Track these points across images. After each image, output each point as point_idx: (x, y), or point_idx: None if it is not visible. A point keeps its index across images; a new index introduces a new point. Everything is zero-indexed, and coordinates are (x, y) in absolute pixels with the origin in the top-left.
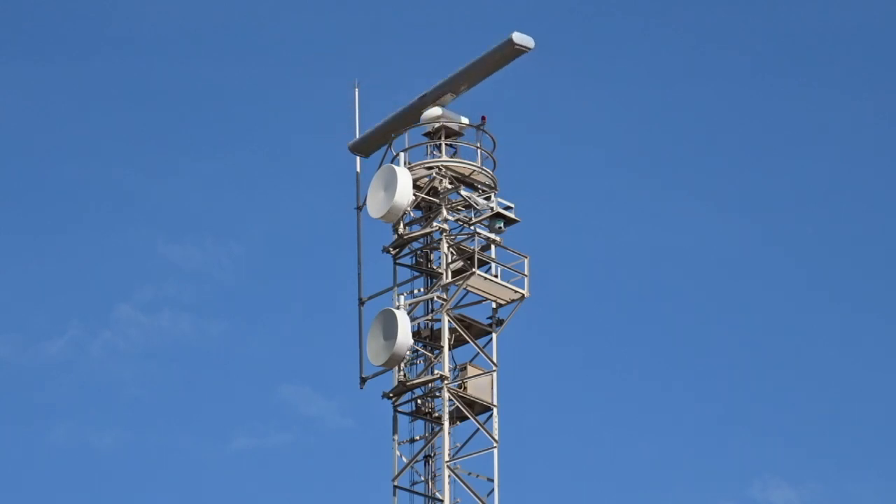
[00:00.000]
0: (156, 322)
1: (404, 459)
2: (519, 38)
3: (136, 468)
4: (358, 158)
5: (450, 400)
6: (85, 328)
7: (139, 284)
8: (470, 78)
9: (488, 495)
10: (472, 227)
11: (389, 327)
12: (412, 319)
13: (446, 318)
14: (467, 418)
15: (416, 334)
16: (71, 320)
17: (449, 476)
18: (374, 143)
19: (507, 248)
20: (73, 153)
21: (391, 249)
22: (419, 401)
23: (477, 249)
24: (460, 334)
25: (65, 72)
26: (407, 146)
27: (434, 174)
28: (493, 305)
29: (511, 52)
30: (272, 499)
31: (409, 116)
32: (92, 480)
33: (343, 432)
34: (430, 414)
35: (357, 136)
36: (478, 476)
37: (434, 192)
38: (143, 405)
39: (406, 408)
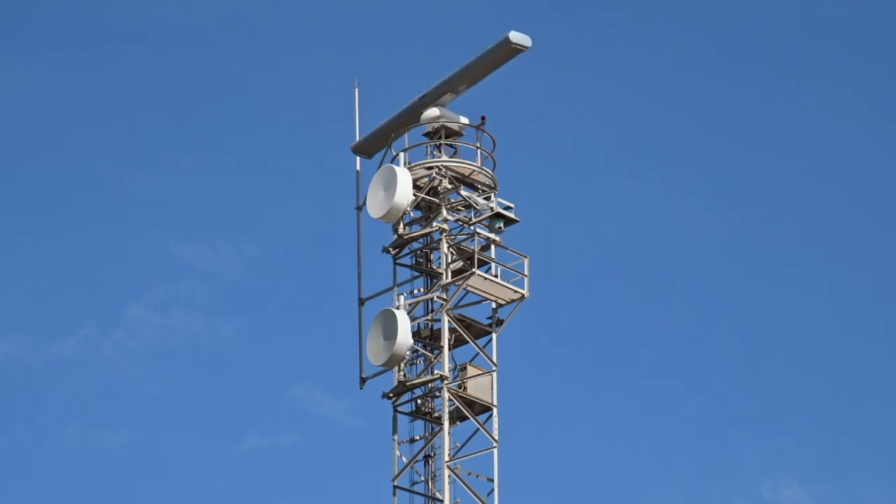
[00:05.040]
0: (167, 322)
1: (404, 459)
2: (515, 36)
3: (148, 467)
4: (358, 158)
5: (450, 400)
6: (97, 328)
7: (151, 284)
8: (468, 78)
9: (488, 495)
10: (472, 227)
11: (389, 327)
12: (412, 319)
13: (446, 318)
14: (467, 418)
15: (416, 334)
16: (83, 320)
17: (449, 476)
18: (376, 144)
19: (507, 248)
20: (84, 153)
21: (391, 249)
22: (419, 401)
23: (477, 249)
24: (460, 334)
25: (77, 72)
26: (407, 146)
27: (434, 174)
28: (493, 305)
29: (508, 51)
30: (282, 498)
31: (410, 117)
32: (103, 479)
33: (350, 432)
34: (430, 414)
35: (357, 137)
36: (478, 476)
37: (434, 192)
38: (154, 404)
39: (406, 408)
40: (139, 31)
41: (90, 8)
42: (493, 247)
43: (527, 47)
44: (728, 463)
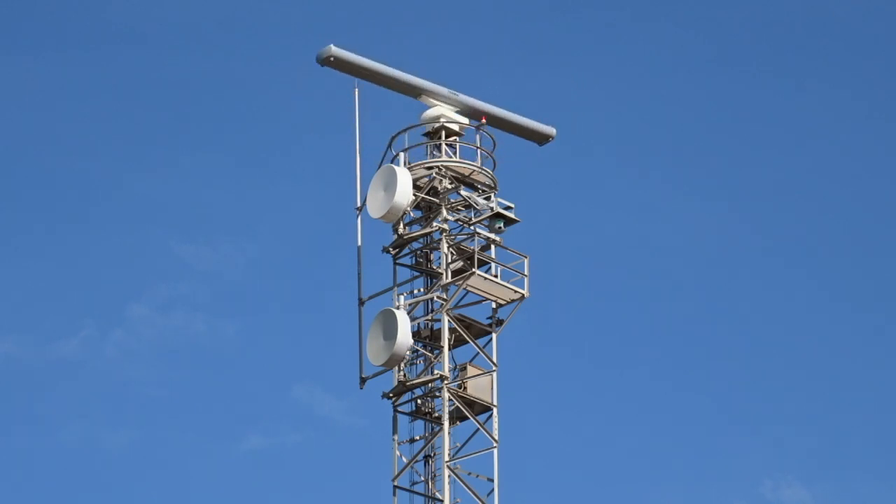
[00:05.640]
0: (169, 321)
1: (404, 459)
2: (549, 130)
3: (148, 468)
4: (358, 158)
5: (450, 400)
6: (98, 328)
7: (152, 284)
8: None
9: (488, 495)
10: (472, 227)
11: (389, 327)
12: (412, 319)
13: (446, 318)
14: (467, 418)
15: (416, 334)
16: (84, 320)
17: (449, 476)
18: (344, 67)
19: (507, 248)
20: (84, 153)
21: (391, 249)
22: (419, 401)
23: (477, 249)
24: (460, 334)
25: (77, 72)
26: (407, 146)
27: (434, 174)
28: (493, 305)
29: (536, 137)
30: (283, 498)
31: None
32: (104, 480)
33: (350, 432)
34: (430, 414)
35: (357, 137)
36: (478, 476)
37: (434, 192)
38: (155, 405)
39: (406, 408)
40: (139, 31)
41: (90, 8)
42: (493, 247)
43: (552, 138)
44: (728, 463)
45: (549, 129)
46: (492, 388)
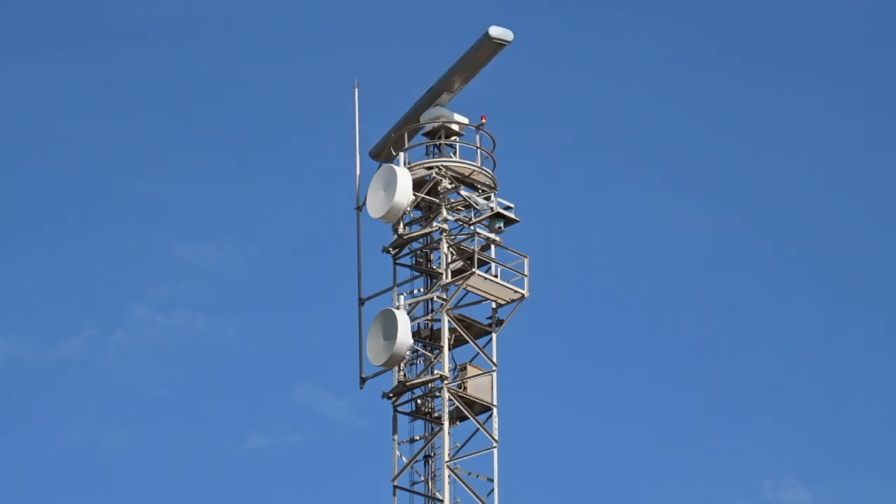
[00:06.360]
0: (170, 321)
1: (404, 459)
2: (496, 31)
3: (149, 468)
4: (358, 158)
5: (450, 400)
6: (99, 328)
7: (154, 284)
8: (459, 77)
9: (488, 495)
10: (472, 227)
11: (389, 327)
12: (412, 319)
13: (446, 318)
14: (467, 418)
15: (416, 334)
16: (85, 320)
17: (449, 476)
18: (387, 147)
19: (507, 248)
20: (84, 153)
21: (391, 249)
22: (419, 401)
23: (477, 249)
24: (460, 334)
25: (77, 72)
26: (407, 146)
27: (434, 174)
28: (493, 305)
29: (491, 46)
30: (284, 498)
31: (413, 118)
32: (105, 480)
33: (350, 432)
34: (430, 414)
35: (357, 137)
36: (478, 476)
37: (434, 192)
38: (156, 405)
39: (406, 408)
40: (139, 31)
41: (90, 8)
42: (493, 247)
43: (508, 41)
44: (728, 463)
45: (495, 31)
46: (492, 388)
